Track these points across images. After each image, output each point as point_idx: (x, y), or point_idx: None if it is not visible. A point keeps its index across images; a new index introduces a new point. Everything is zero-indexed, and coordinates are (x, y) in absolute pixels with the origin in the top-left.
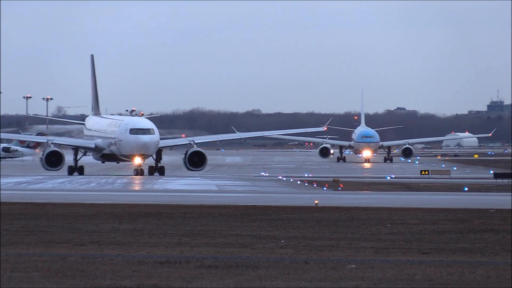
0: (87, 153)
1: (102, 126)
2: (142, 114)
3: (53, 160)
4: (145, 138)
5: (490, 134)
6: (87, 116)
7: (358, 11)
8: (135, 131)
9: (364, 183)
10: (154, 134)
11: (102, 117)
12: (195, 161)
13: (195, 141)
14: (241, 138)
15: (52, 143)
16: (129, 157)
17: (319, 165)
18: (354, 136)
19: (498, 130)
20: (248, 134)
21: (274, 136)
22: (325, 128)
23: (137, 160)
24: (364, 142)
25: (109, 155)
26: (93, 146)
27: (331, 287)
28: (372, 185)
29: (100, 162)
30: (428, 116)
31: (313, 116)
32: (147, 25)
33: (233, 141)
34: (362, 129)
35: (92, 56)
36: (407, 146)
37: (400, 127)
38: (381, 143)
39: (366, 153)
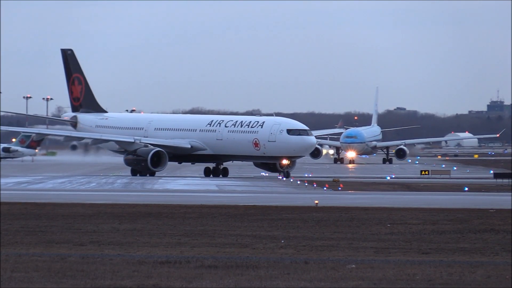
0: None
1: (186, 125)
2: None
3: (155, 160)
4: (311, 139)
5: (498, 135)
6: (67, 113)
7: (358, 11)
8: (296, 132)
9: (364, 183)
10: (312, 134)
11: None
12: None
13: None
14: None
15: (141, 142)
16: (277, 159)
17: (319, 166)
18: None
19: (499, 130)
20: None
21: None
22: (345, 128)
23: (284, 162)
24: (346, 143)
25: (186, 156)
26: (188, 146)
27: (331, 287)
28: (372, 185)
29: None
30: (428, 116)
31: (313, 116)
32: (147, 25)
33: None
34: (362, 129)
35: (69, 50)
36: (401, 147)
37: (417, 127)
38: (374, 143)
39: (350, 154)
